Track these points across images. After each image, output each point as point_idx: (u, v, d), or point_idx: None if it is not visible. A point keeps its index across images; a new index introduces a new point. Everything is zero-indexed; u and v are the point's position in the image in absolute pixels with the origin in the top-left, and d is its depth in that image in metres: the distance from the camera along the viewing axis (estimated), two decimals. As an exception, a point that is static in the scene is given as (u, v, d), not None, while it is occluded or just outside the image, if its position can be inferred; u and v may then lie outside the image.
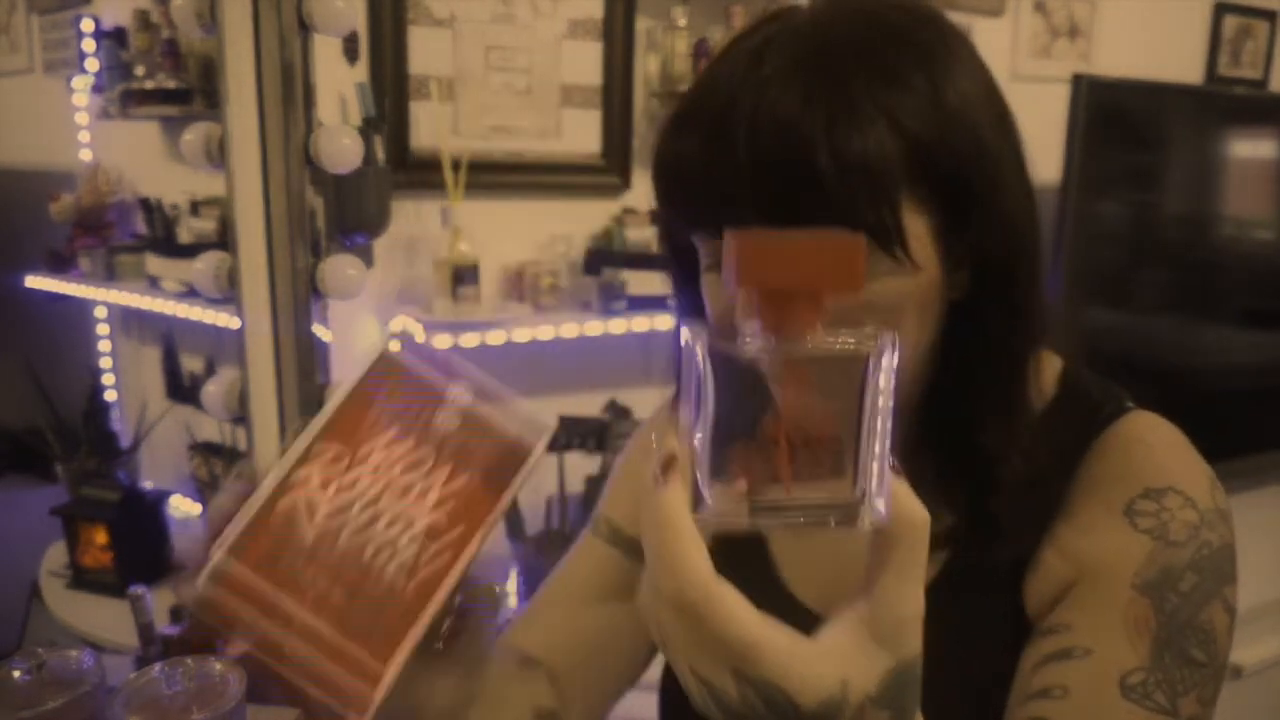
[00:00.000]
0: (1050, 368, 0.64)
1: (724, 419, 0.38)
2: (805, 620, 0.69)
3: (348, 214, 1.54)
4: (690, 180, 0.54)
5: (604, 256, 1.82)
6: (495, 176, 1.78)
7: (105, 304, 2.19)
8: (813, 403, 0.38)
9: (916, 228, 0.53)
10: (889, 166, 0.50)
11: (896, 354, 0.38)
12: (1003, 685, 0.61)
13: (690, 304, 0.66)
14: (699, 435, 0.38)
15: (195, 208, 1.89)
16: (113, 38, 1.91)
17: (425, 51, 1.70)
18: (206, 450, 1.91)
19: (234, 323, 1.33)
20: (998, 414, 0.58)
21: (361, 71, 1.65)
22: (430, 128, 1.71)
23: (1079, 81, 1.90)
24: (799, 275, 0.37)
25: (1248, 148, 2.30)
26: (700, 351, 0.38)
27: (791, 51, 0.53)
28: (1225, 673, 0.57)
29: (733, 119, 0.52)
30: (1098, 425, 0.60)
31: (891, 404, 0.38)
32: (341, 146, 1.28)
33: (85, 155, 2.20)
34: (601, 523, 0.81)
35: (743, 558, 0.72)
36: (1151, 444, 0.60)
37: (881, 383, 0.38)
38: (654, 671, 0.79)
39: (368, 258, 1.63)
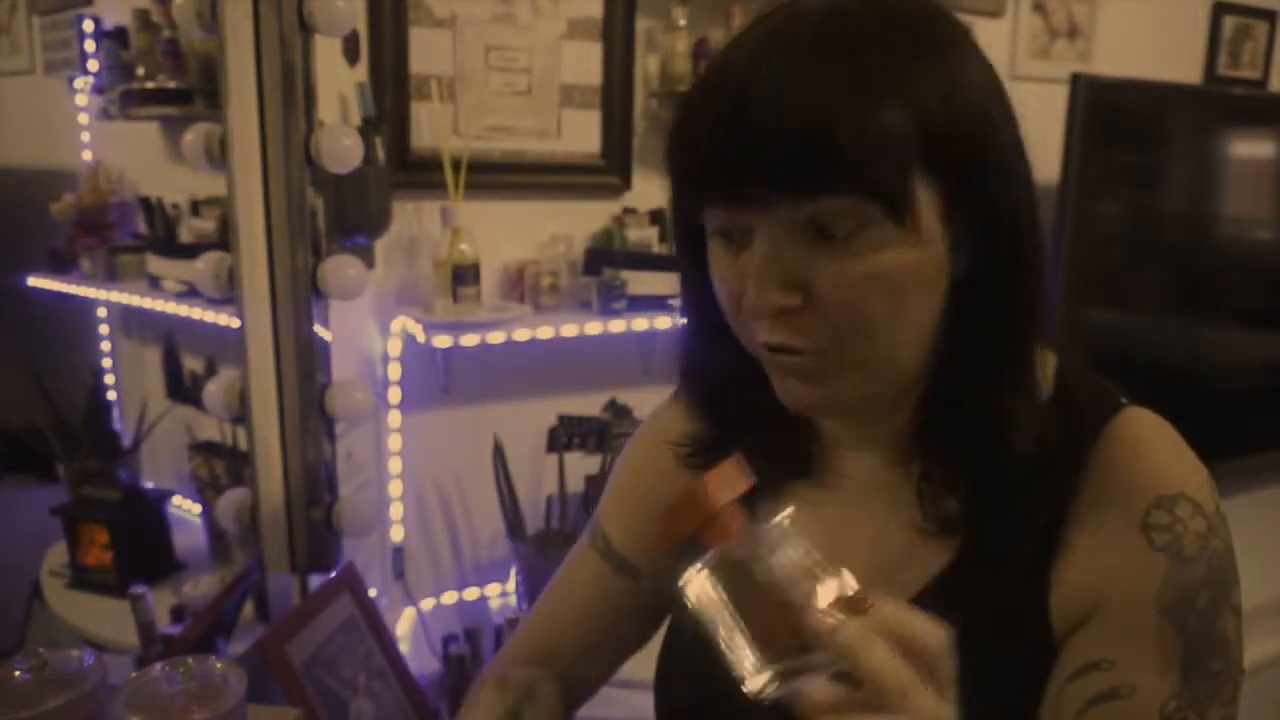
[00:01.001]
0: (1046, 364, 0.65)
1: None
2: None
3: (348, 214, 1.54)
4: (708, 151, 0.56)
5: (604, 256, 1.82)
6: (495, 176, 1.78)
7: (106, 304, 2.19)
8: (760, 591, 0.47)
9: (925, 201, 0.55)
10: (903, 142, 0.53)
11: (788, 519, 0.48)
12: (1013, 675, 0.61)
13: (695, 298, 0.66)
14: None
15: (196, 208, 1.89)
16: (113, 38, 1.91)
17: (425, 51, 1.70)
18: (207, 450, 1.91)
19: (234, 323, 1.33)
20: (1007, 393, 0.59)
21: (362, 71, 1.65)
22: (430, 128, 1.71)
23: (1078, 81, 1.90)
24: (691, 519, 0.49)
25: (1247, 148, 2.30)
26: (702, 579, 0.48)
27: (809, 31, 0.55)
28: (1242, 669, 0.59)
29: (754, 91, 0.54)
30: (1099, 421, 0.61)
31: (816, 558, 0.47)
32: (342, 146, 1.28)
33: (86, 155, 2.20)
34: (599, 535, 0.83)
35: None
36: (1156, 446, 0.60)
37: (791, 554, 0.47)
38: (650, 671, 0.79)
39: (368, 258, 1.63)
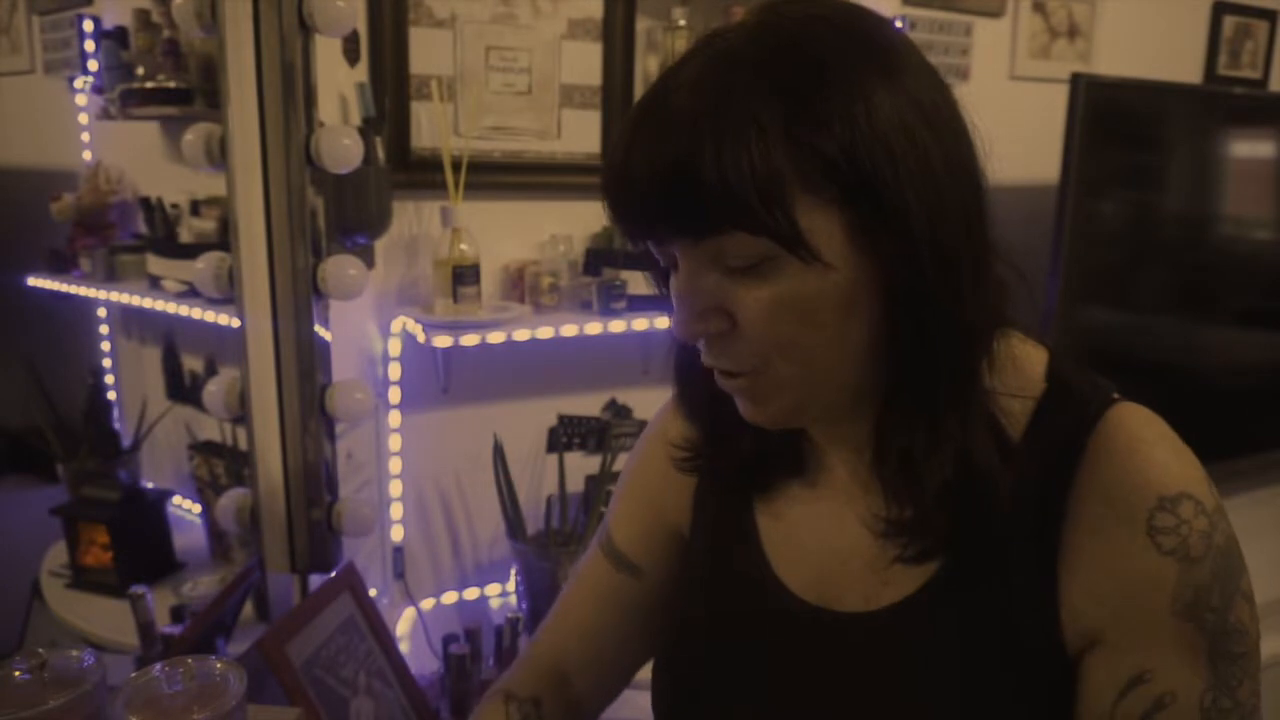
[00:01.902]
0: (1036, 360, 0.65)
1: None
2: (793, 604, 0.71)
3: (348, 214, 1.54)
4: (609, 196, 0.58)
5: (604, 256, 1.82)
6: (495, 176, 1.78)
7: (106, 304, 2.19)
8: None
9: (824, 228, 0.54)
10: (778, 177, 0.52)
11: None
12: (1011, 676, 0.61)
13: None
14: None
15: (196, 208, 1.89)
16: (113, 38, 1.91)
17: (425, 51, 1.70)
18: (207, 450, 1.91)
19: (235, 323, 1.33)
20: (945, 409, 0.59)
21: (362, 71, 1.65)
22: (431, 128, 1.71)
23: (1078, 81, 1.90)
24: None
25: (1247, 148, 2.30)
26: None
27: (701, 68, 0.55)
28: (1258, 641, 0.60)
29: (637, 138, 0.56)
30: (1093, 414, 0.61)
31: None
32: (342, 146, 1.28)
33: (86, 155, 2.20)
34: (605, 531, 0.85)
35: (738, 550, 0.74)
36: (1153, 443, 0.60)
37: None
38: (647, 671, 0.80)
39: (368, 258, 1.63)
